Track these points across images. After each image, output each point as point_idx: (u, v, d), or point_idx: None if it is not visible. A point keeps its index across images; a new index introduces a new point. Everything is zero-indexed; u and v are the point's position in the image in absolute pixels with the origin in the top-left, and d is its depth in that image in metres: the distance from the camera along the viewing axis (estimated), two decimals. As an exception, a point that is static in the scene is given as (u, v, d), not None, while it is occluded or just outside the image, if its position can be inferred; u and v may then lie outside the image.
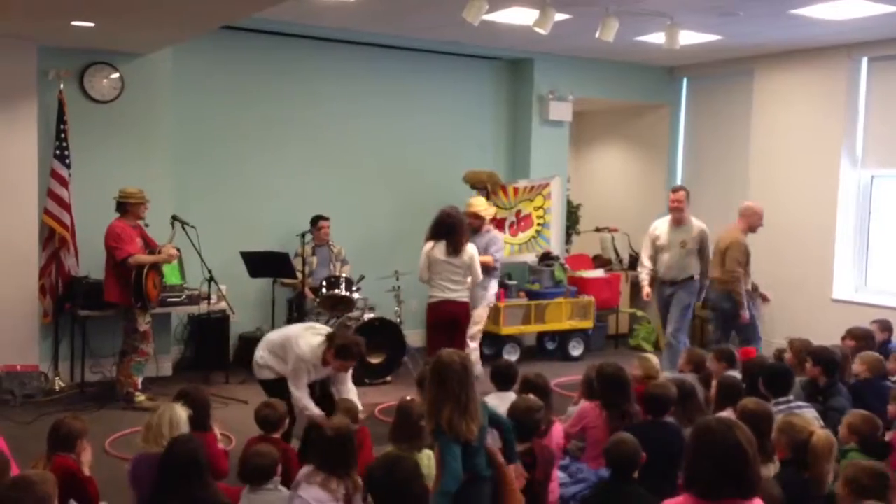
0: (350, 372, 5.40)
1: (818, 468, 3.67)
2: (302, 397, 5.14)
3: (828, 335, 6.60)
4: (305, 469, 3.82)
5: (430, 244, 6.68)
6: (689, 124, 10.39)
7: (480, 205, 7.89)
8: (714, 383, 5.15)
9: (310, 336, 5.23)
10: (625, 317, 10.21)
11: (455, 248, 6.62)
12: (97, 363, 7.40)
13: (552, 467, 4.16)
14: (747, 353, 6.05)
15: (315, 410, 5.11)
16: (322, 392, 5.44)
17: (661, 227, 7.78)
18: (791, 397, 4.90)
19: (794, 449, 3.84)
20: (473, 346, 7.37)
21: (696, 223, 7.65)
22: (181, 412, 4.12)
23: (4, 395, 6.80)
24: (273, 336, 5.49)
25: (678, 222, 7.64)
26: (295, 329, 5.47)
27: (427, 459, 4.00)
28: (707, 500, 2.59)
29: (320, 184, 8.78)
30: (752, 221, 7.64)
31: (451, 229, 6.63)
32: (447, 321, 6.73)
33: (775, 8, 7.11)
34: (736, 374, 5.50)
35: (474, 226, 7.57)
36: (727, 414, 4.52)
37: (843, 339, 6.49)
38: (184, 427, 4.06)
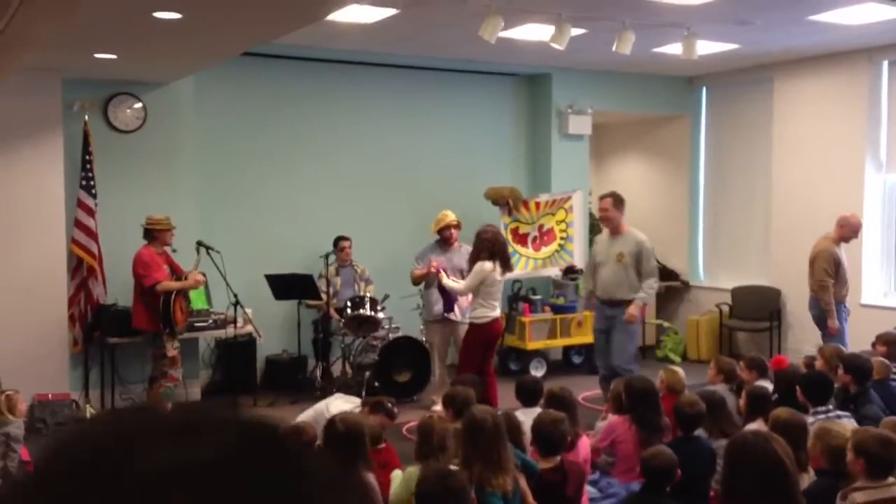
0: None
1: (852, 473, 3.62)
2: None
3: (858, 341, 6.53)
4: None
5: (490, 263, 6.71)
6: (709, 134, 10.35)
7: (452, 215, 7.76)
8: (743, 394, 5.10)
9: (340, 403, 5.24)
10: (651, 328, 10.14)
11: (507, 267, 6.84)
12: (127, 390, 7.47)
13: (583, 482, 4.14)
14: (780, 361, 6.00)
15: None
16: None
17: (599, 239, 7.25)
18: (830, 406, 4.85)
19: (830, 457, 3.79)
20: None
21: (635, 234, 6.93)
22: None
23: (37, 424, 6.87)
24: (303, 416, 5.35)
25: (613, 233, 6.95)
26: (323, 401, 5.50)
27: None
28: None
29: (342, 204, 8.84)
30: (843, 233, 7.60)
31: (503, 248, 6.86)
32: (494, 338, 6.95)
33: (793, 14, 7.08)
34: (766, 383, 5.45)
35: (452, 238, 7.61)
36: (757, 425, 4.48)
37: (874, 344, 6.41)
38: None
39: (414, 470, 4.03)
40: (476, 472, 3.61)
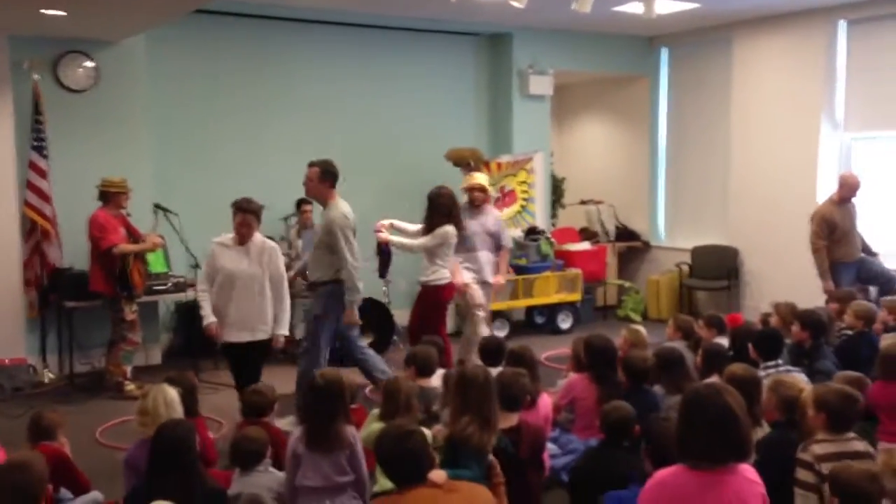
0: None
1: (808, 425, 3.71)
2: (197, 294, 5.66)
3: (812, 299, 6.65)
4: (296, 433, 3.85)
5: (451, 227, 6.63)
6: (670, 94, 10.38)
7: (483, 178, 7.50)
8: (700, 350, 5.19)
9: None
10: (613, 288, 10.24)
11: (459, 227, 6.75)
12: (85, 354, 7.37)
13: (540, 448, 4.15)
14: (735, 319, 6.10)
15: (206, 312, 5.51)
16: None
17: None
18: (780, 361, 4.95)
19: (785, 407, 3.88)
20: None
21: (331, 209, 6.01)
22: (172, 392, 4.14)
23: (-7, 389, 6.78)
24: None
25: (323, 207, 6.09)
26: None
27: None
28: (700, 467, 2.60)
29: (301, 166, 8.70)
30: (842, 193, 7.67)
31: (458, 209, 6.79)
32: (449, 299, 6.97)
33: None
34: (724, 340, 5.55)
35: (479, 200, 7.27)
36: (713, 380, 4.56)
37: (827, 301, 6.54)
38: (178, 406, 4.09)
39: (377, 427, 4.06)
40: (463, 425, 3.67)
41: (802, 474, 3.43)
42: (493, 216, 7.37)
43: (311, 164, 6.15)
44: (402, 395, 4.18)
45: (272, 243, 5.75)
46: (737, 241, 9.53)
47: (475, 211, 7.25)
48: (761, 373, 4.53)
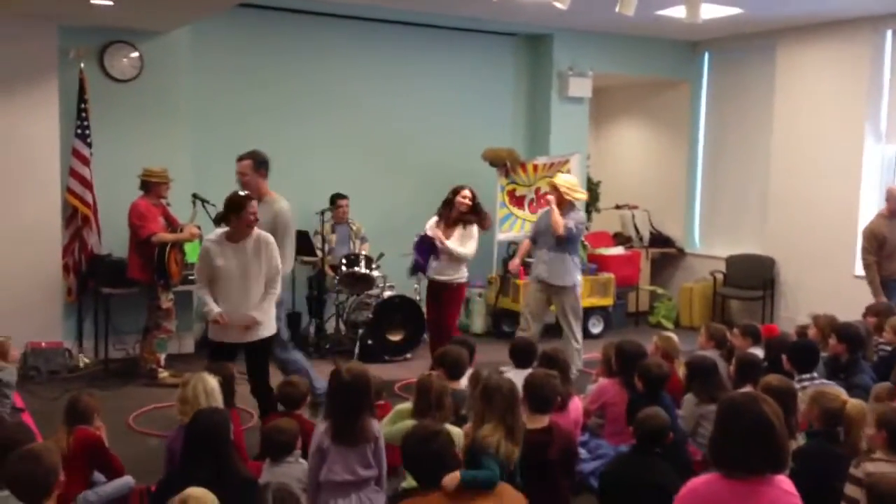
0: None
1: (853, 436, 3.66)
2: (198, 291, 5.29)
3: (849, 312, 6.54)
4: (322, 427, 3.86)
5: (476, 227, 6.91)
6: (710, 100, 10.28)
7: (559, 179, 7.12)
8: (734, 360, 5.13)
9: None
10: (645, 294, 10.17)
11: (483, 227, 6.99)
12: (120, 340, 7.47)
13: (571, 448, 4.12)
14: (771, 330, 6.03)
15: (211, 304, 5.14)
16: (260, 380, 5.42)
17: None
18: (815, 374, 4.89)
19: (826, 419, 3.83)
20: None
21: (275, 202, 5.81)
22: (213, 381, 4.20)
23: (30, 371, 6.89)
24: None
25: (259, 200, 5.59)
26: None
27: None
28: (735, 476, 2.57)
29: (340, 161, 8.79)
30: (890, 206, 7.45)
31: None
32: None
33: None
34: (758, 351, 5.49)
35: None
36: (746, 390, 4.51)
37: (865, 315, 6.44)
38: (218, 396, 4.15)
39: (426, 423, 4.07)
40: (486, 432, 3.60)
41: (851, 490, 3.38)
42: (572, 216, 6.91)
43: (241, 158, 5.89)
44: (433, 394, 4.17)
45: (267, 235, 5.32)
46: (774, 251, 9.41)
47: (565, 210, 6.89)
48: (795, 385, 4.48)
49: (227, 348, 5.27)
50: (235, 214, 5.11)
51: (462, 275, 6.83)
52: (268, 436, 3.99)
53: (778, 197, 9.37)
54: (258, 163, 5.83)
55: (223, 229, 5.26)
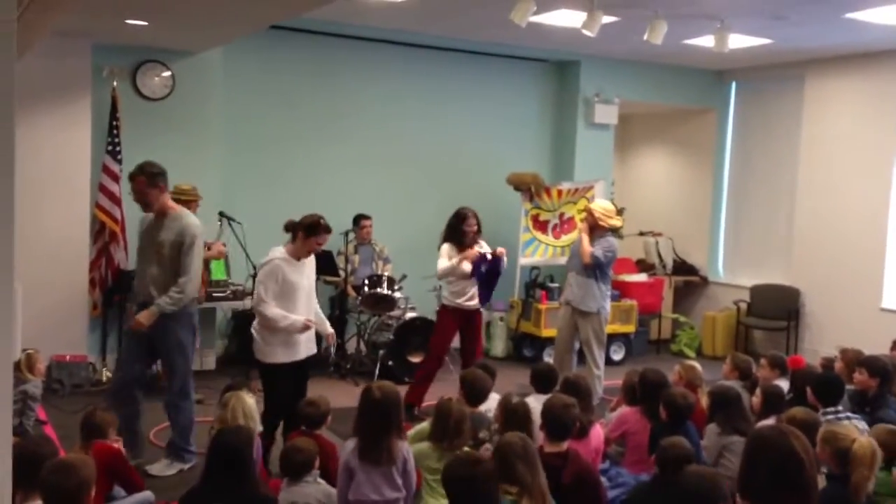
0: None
1: (858, 475, 3.59)
2: (274, 311, 5.13)
3: (875, 345, 6.47)
4: (349, 445, 3.84)
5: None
6: (737, 129, 10.26)
7: (597, 205, 7.21)
8: (758, 391, 5.08)
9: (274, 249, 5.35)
10: (668, 322, 10.11)
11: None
12: (143, 355, 7.51)
13: (585, 480, 4.02)
14: (797, 361, 5.97)
15: (293, 316, 5.17)
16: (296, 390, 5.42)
17: (145, 221, 5.59)
18: (840, 407, 4.82)
19: (837, 459, 3.76)
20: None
21: (183, 217, 5.34)
22: (251, 402, 4.23)
23: (54, 384, 6.95)
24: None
25: (157, 216, 5.33)
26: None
27: None
28: None
29: (365, 182, 8.84)
30: None
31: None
32: None
33: (829, 12, 6.98)
34: (783, 382, 5.43)
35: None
36: (770, 423, 4.46)
37: (892, 348, 6.36)
38: (257, 416, 4.18)
39: (423, 447, 4.06)
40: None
41: None
42: (602, 243, 6.94)
43: (133, 175, 5.38)
44: (452, 419, 4.13)
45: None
46: (799, 282, 9.33)
47: (599, 233, 6.97)
48: (821, 418, 4.42)
49: (288, 369, 5.29)
50: (308, 235, 5.25)
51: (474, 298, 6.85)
52: (286, 455, 3.99)
53: (804, 227, 9.30)
54: (152, 177, 5.29)
55: (283, 248, 5.33)
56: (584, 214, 7.23)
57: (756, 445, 2.61)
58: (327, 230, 5.34)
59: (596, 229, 6.94)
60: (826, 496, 3.64)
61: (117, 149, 7.40)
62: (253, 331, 5.35)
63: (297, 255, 5.31)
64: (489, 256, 6.68)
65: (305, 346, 5.37)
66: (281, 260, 5.25)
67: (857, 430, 4.13)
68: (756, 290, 9.61)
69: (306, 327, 5.23)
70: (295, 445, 4.02)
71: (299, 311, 5.27)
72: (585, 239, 6.88)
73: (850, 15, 7.04)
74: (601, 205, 7.19)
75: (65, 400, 6.75)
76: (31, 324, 6.87)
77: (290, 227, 5.35)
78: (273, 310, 5.15)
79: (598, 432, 4.66)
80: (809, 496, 2.56)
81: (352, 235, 8.16)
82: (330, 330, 5.61)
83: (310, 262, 5.46)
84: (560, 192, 9.11)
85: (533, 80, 9.76)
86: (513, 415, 3.94)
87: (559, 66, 9.78)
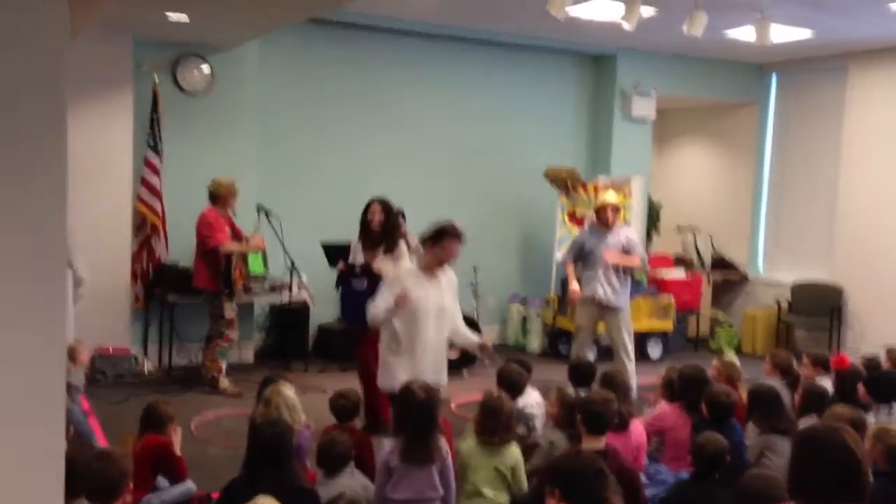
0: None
1: None
2: (372, 308, 4.66)
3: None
4: (388, 446, 3.85)
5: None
6: (778, 122, 10.10)
7: (614, 196, 7.21)
8: (800, 389, 5.01)
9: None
10: (706, 319, 10.00)
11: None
12: (184, 347, 7.62)
13: (623, 477, 3.94)
14: (842, 360, 5.87)
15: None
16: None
17: None
18: (893, 404, 4.75)
19: (888, 457, 3.71)
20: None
21: None
22: (292, 394, 4.27)
23: (97, 375, 7.06)
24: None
25: None
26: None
27: (510, 457, 4.04)
28: None
29: (400, 177, 8.84)
30: None
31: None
32: None
33: (871, 1, 6.85)
34: (826, 381, 5.35)
35: (612, 219, 6.95)
36: (809, 421, 4.40)
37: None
38: (300, 408, 4.22)
39: (468, 446, 4.04)
40: None
41: None
42: (624, 234, 7.01)
43: None
44: (503, 415, 4.07)
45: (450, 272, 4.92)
46: (841, 279, 9.17)
47: (605, 230, 6.97)
48: (871, 417, 4.36)
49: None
50: (434, 243, 4.71)
51: None
52: (323, 448, 4.00)
53: (846, 223, 9.14)
54: None
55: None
56: (611, 210, 6.99)
57: (808, 443, 2.57)
58: (455, 235, 4.69)
59: (616, 222, 6.98)
60: (875, 493, 3.59)
61: (158, 142, 7.49)
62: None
63: (428, 267, 4.74)
64: (357, 271, 6.08)
65: (433, 373, 4.62)
66: (406, 271, 4.78)
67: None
68: (797, 288, 9.46)
69: (402, 299, 4.55)
70: (332, 438, 4.03)
71: (426, 333, 4.64)
72: (626, 258, 6.87)
73: (892, 4, 6.90)
74: (616, 197, 7.23)
75: (107, 390, 6.86)
76: (74, 315, 6.98)
77: (420, 238, 4.87)
78: (374, 305, 4.65)
79: (639, 428, 4.63)
80: (863, 493, 2.52)
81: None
82: (478, 339, 5.02)
83: (446, 278, 4.83)
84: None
85: (570, 74, 9.69)
86: (570, 407, 3.89)
87: (596, 59, 9.70)
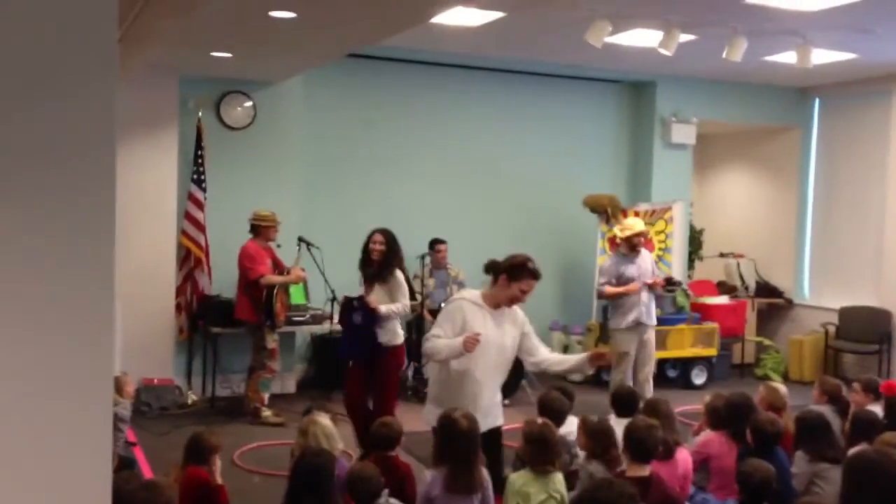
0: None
1: None
2: (432, 342, 4.29)
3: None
4: (432, 477, 3.83)
5: None
6: (821, 147, 9.98)
7: (641, 224, 7.59)
8: (850, 416, 4.90)
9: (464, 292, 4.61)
10: (751, 345, 9.84)
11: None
12: (227, 378, 7.69)
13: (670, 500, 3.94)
14: (891, 386, 5.74)
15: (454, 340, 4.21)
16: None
17: None
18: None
19: None
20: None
21: None
22: (329, 424, 4.27)
23: (142, 406, 7.15)
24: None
25: None
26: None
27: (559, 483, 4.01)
28: None
29: (442, 206, 8.91)
30: None
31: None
32: None
33: (916, 24, 6.77)
34: (877, 408, 5.23)
35: (641, 245, 7.46)
36: (860, 449, 4.30)
37: None
38: (337, 437, 4.22)
39: (517, 476, 4.01)
40: None
41: None
42: (649, 258, 7.63)
43: None
44: (550, 443, 4.05)
45: (516, 310, 4.58)
46: (890, 304, 8.98)
47: (634, 255, 7.37)
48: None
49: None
50: (511, 279, 4.34)
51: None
52: (353, 485, 3.78)
53: (894, 247, 8.96)
54: None
55: (480, 291, 4.46)
56: (644, 238, 7.64)
57: (860, 470, 2.52)
58: (534, 275, 4.36)
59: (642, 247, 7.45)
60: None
61: (202, 177, 7.63)
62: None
63: (496, 303, 4.37)
64: (355, 304, 5.88)
65: (484, 415, 4.28)
66: (468, 301, 4.35)
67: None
68: (845, 313, 9.28)
69: (472, 342, 4.12)
70: (360, 475, 3.82)
71: (484, 372, 4.33)
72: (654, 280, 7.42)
73: (939, 26, 6.81)
74: (641, 222, 7.62)
75: (153, 422, 6.94)
76: (120, 347, 7.09)
77: (492, 268, 4.46)
78: (432, 341, 4.27)
79: (685, 456, 4.55)
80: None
81: (427, 259, 8.21)
82: (583, 355, 4.67)
83: (514, 318, 4.47)
84: (637, 214, 9.00)
85: (609, 102, 9.70)
86: (596, 435, 3.88)
87: (635, 86, 9.70)
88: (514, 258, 4.42)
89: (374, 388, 5.87)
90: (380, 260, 5.92)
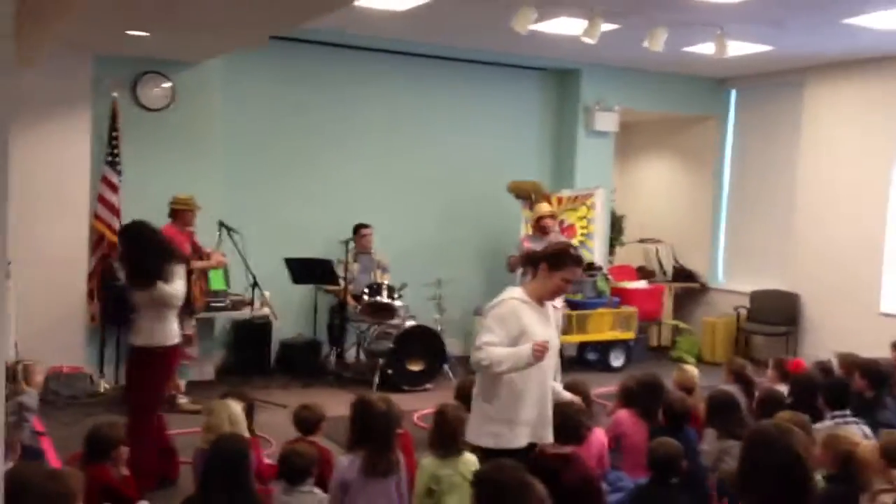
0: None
1: (866, 478, 3.60)
2: (492, 351, 3.70)
3: (874, 349, 6.46)
4: (349, 461, 3.80)
5: None
6: (737, 136, 10.27)
7: (549, 208, 8.05)
8: (757, 394, 5.07)
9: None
10: (667, 329, 10.10)
11: None
12: (143, 365, 7.50)
13: (586, 484, 3.93)
14: (798, 364, 5.96)
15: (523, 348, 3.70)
16: None
17: None
18: (847, 411, 4.83)
19: (840, 462, 3.78)
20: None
21: None
22: (237, 408, 4.21)
23: (50, 395, 6.91)
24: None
25: None
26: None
27: (464, 465, 4.01)
28: None
29: (365, 192, 8.86)
30: None
31: None
32: None
33: (828, 17, 6.99)
34: (783, 387, 5.42)
35: (551, 227, 7.77)
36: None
37: (893, 350, 6.35)
38: (243, 422, 4.15)
39: (428, 461, 4.02)
40: None
41: None
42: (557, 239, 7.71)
43: None
44: (451, 424, 4.10)
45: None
46: (798, 288, 9.32)
47: (545, 237, 7.55)
48: (828, 422, 4.43)
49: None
50: (553, 268, 3.85)
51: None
52: (285, 459, 3.93)
53: (803, 233, 9.30)
54: None
55: (519, 288, 3.95)
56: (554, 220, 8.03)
57: (756, 444, 2.59)
58: (577, 262, 3.94)
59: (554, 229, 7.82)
60: (830, 496, 3.66)
61: (117, 159, 7.42)
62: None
63: (539, 297, 3.88)
64: None
65: (539, 426, 3.87)
66: (519, 301, 3.82)
67: (859, 435, 4.16)
68: (756, 296, 9.60)
69: (542, 350, 3.63)
70: (296, 450, 3.96)
71: (537, 380, 3.83)
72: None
73: (848, 20, 7.05)
74: (548, 207, 8.05)
75: (61, 411, 6.73)
76: (28, 334, 6.85)
77: (530, 260, 4.07)
78: (487, 351, 3.69)
79: (598, 436, 4.64)
80: (810, 494, 2.55)
81: (351, 244, 8.16)
82: (569, 397, 4.25)
83: (551, 310, 4.04)
84: (560, 200, 9.12)
85: (534, 89, 9.78)
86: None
87: (560, 74, 9.80)
88: (553, 246, 4.08)
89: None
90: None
